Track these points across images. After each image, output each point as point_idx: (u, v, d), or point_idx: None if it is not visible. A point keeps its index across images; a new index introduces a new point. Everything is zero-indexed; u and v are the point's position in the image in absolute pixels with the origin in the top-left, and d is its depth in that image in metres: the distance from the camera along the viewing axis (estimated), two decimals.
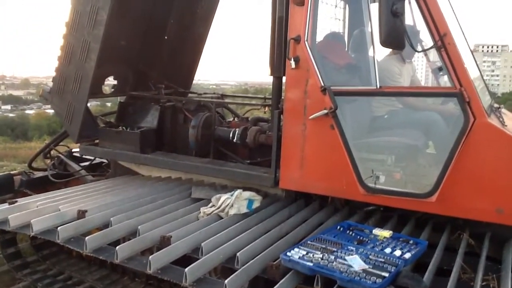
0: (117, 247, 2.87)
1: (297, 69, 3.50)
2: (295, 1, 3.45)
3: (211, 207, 3.59)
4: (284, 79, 3.79)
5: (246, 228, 3.29)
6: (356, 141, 3.28)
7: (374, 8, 3.16)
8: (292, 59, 3.48)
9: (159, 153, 4.59)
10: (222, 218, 3.50)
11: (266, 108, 4.61)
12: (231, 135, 4.32)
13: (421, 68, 4.54)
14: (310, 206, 3.87)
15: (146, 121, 4.79)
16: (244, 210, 3.56)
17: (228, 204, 3.54)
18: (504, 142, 2.99)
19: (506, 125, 3.14)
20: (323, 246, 2.82)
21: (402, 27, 3.00)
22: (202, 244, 2.93)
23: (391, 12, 2.94)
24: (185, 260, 2.86)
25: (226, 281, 2.50)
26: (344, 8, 4.34)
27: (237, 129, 4.33)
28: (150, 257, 2.73)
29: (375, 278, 2.43)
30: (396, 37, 3.01)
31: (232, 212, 3.52)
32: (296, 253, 2.72)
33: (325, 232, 3.09)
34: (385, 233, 3.05)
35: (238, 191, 3.65)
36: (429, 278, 2.58)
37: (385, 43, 3.05)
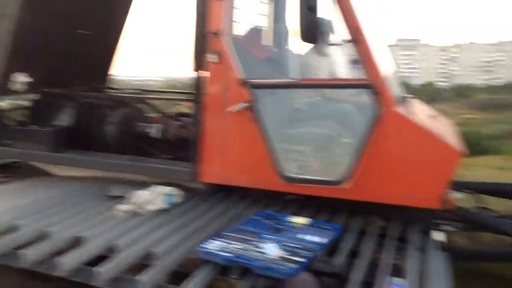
0: (23, 251, 2.71)
1: (217, 64, 3.50)
2: None
3: (127, 204, 3.48)
4: None
5: (164, 223, 3.23)
6: (275, 132, 3.33)
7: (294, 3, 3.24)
8: (212, 53, 3.48)
9: (76, 152, 4.39)
10: (139, 215, 3.41)
11: (190, 103, 4.57)
12: (152, 131, 4.23)
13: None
14: (230, 198, 3.86)
15: (61, 119, 4.56)
16: (162, 205, 3.49)
17: (146, 200, 3.46)
18: (410, 129, 3.17)
19: (414, 114, 3.32)
20: (241, 236, 2.83)
21: (317, 21, 3.09)
22: (116, 242, 2.84)
23: (307, 8, 3.02)
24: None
25: (141, 277, 2.44)
26: (269, 3, 4.39)
27: (158, 125, 4.25)
28: (60, 259, 2.61)
29: (291, 264, 2.48)
30: (313, 32, 3.10)
31: (150, 208, 3.44)
32: (213, 245, 2.71)
33: (243, 223, 3.11)
34: (302, 221, 3.12)
35: (157, 186, 3.58)
36: (341, 260, 2.67)
37: (303, 37, 3.13)
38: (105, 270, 2.53)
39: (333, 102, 3.54)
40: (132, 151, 4.30)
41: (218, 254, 2.60)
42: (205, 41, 3.58)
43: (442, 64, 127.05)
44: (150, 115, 5.01)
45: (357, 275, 2.56)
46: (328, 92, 3.50)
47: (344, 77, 3.72)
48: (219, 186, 3.91)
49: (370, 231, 3.20)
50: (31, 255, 2.73)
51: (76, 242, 2.87)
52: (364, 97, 3.32)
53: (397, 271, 2.68)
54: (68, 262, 2.62)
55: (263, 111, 3.31)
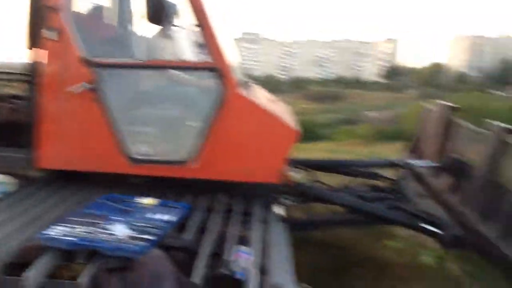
0: None
1: (56, 41, 3.27)
2: None
3: None
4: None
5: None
6: (120, 114, 3.26)
7: None
8: (50, 30, 3.24)
9: None
10: None
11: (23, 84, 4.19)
12: None
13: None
14: (71, 184, 3.66)
15: None
16: None
17: None
18: (251, 109, 3.38)
19: (255, 97, 3.54)
20: (86, 220, 2.72)
21: (163, 4, 3.09)
22: None
23: None
24: None
25: None
26: None
27: None
28: None
29: (140, 242, 2.48)
30: (159, 14, 3.09)
31: None
32: (56, 231, 2.56)
33: (88, 206, 3.00)
34: (150, 201, 3.12)
35: None
36: (190, 236, 2.76)
37: (149, 18, 3.10)
38: None
39: (179, 84, 3.58)
40: None
41: (61, 239, 2.47)
42: (41, 16, 3.33)
43: (282, 58, 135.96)
44: None
45: (206, 248, 2.67)
46: (174, 74, 3.53)
47: (190, 60, 3.78)
48: (58, 172, 3.69)
49: (217, 207, 3.34)
50: None
51: None
52: (208, 79, 3.44)
53: (243, 242, 2.86)
54: None
55: (107, 92, 3.22)
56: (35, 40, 3.45)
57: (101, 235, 2.53)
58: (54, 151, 3.39)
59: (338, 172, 4.87)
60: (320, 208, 4.67)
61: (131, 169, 3.32)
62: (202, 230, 3.00)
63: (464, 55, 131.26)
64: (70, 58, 3.27)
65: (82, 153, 3.39)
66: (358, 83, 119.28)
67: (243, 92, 3.42)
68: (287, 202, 4.16)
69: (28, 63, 3.61)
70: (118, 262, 2.37)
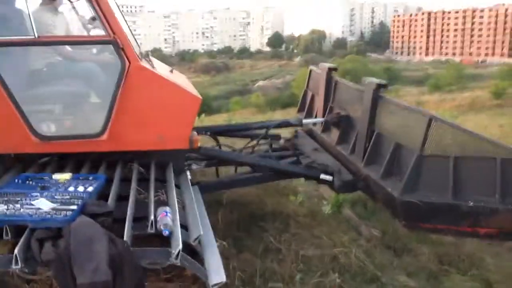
0: None
1: None
2: None
3: None
4: None
5: None
6: (22, 93, 3.22)
7: None
8: None
9: None
10: None
11: None
12: None
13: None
14: None
15: None
16: None
17: None
18: (155, 80, 3.54)
19: (155, 68, 3.70)
20: (5, 199, 2.76)
21: None
22: None
23: None
24: None
25: None
26: None
27: None
28: None
29: (65, 212, 2.60)
30: None
31: None
32: None
33: (3, 187, 3.00)
34: (65, 176, 3.20)
35: None
36: (112, 203, 2.92)
37: None
38: None
39: (79, 60, 3.60)
40: None
41: None
42: None
43: (165, 30, 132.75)
44: None
45: (130, 212, 2.84)
46: (72, 49, 3.54)
47: (86, 35, 3.80)
48: None
49: (132, 177, 3.49)
50: None
51: None
52: (107, 53, 3.53)
53: (162, 205, 3.07)
54: None
55: (5, 73, 3.16)
56: None
57: (25, 211, 2.61)
58: None
59: (238, 136, 5.23)
60: (225, 171, 5.02)
61: (41, 148, 3.33)
62: (121, 198, 3.16)
63: (343, 20, 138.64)
64: None
65: None
66: (245, 53, 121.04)
67: (144, 64, 3.56)
68: (195, 167, 4.46)
69: None
70: (47, 232, 2.48)
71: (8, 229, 2.53)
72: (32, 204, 2.68)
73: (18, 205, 2.67)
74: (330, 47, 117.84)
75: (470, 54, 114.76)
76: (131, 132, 3.52)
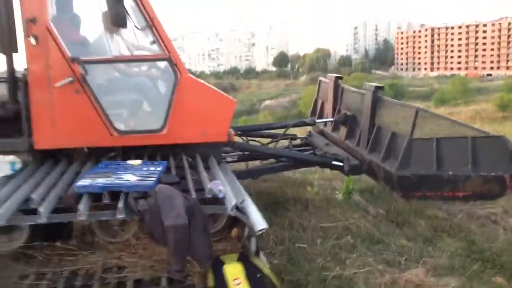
0: None
1: (37, 46, 4.12)
2: None
3: None
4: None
5: (21, 182, 3.81)
6: (105, 99, 4.20)
7: None
8: (32, 37, 4.09)
9: None
10: None
11: None
12: None
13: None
14: (61, 163, 4.52)
15: None
16: (8, 171, 4.00)
17: None
18: (200, 88, 4.53)
19: (198, 79, 4.68)
20: (101, 175, 3.71)
21: (124, 10, 4.09)
22: None
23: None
24: None
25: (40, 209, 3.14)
26: None
27: None
28: None
29: (148, 181, 3.55)
30: (122, 18, 4.07)
31: None
32: (84, 182, 3.53)
33: (93, 169, 3.96)
34: (137, 162, 4.15)
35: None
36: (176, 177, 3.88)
37: (113, 23, 4.08)
38: (3, 211, 3.12)
39: (145, 72, 4.62)
40: None
41: (91, 186, 3.46)
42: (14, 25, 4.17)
43: None
44: None
45: (191, 183, 3.79)
46: (139, 65, 4.55)
47: (150, 54, 4.77)
48: (46, 154, 4.51)
49: (184, 164, 4.44)
50: None
51: None
52: (164, 67, 4.51)
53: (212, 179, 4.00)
54: None
55: (91, 83, 4.15)
56: (9, 47, 4.29)
57: (119, 181, 3.56)
58: (47, 134, 4.24)
59: (262, 136, 6.21)
60: (254, 164, 5.98)
61: (117, 142, 4.29)
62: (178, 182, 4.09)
63: (347, 38, 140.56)
64: (52, 59, 4.14)
65: (71, 133, 4.27)
66: (251, 73, 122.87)
67: (191, 75, 4.54)
68: (230, 160, 5.43)
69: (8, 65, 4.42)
70: (138, 194, 3.43)
71: (107, 194, 3.49)
72: (122, 178, 3.63)
73: (112, 178, 3.62)
74: (335, 65, 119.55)
75: (475, 68, 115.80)
76: (182, 128, 4.46)
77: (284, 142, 6.29)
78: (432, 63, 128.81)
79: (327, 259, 4.07)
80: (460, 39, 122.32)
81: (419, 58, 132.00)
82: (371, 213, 5.39)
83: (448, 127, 4.32)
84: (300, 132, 6.65)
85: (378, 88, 5.08)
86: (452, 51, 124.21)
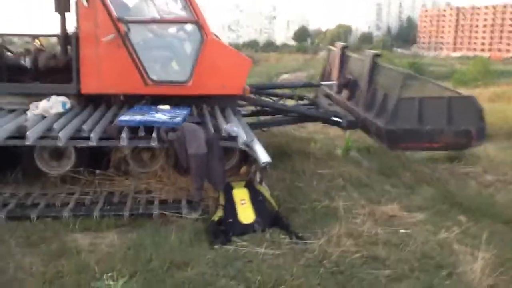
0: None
1: (88, 8, 4.94)
2: None
3: (35, 110, 4.75)
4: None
5: (72, 117, 4.71)
6: (143, 53, 5.02)
7: None
8: (85, 0, 4.90)
9: None
10: (45, 117, 4.72)
11: (37, 40, 5.80)
12: (24, 62, 5.34)
13: None
14: (102, 106, 5.39)
15: None
16: (61, 109, 4.87)
17: (48, 107, 4.78)
18: (222, 48, 5.35)
19: (222, 40, 5.47)
20: (138, 113, 4.57)
21: None
22: (54, 125, 4.27)
23: None
24: None
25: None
26: None
27: (27, 57, 5.38)
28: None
29: (176, 119, 4.40)
30: None
31: (52, 111, 4.78)
32: (125, 118, 4.40)
33: (131, 110, 4.82)
34: (166, 107, 4.99)
35: (53, 96, 4.90)
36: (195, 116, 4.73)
37: None
38: (63, 135, 4.03)
39: (178, 31, 5.44)
40: (6, 80, 5.33)
41: (131, 120, 4.33)
42: None
43: None
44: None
45: (210, 124, 4.64)
46: (173, 25, 5.37)
47: (182, 17, 5.52)
48: (90, 99, 5.38)
49: (204, 112, 5.28)
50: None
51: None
52: (193, 29, 5.29)
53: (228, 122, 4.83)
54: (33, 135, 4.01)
55: (133, 39, 4.97)
56: (65, 7, 5.11)
57: (152, 118, 4.41)
58: (93, 82, 5.09)
59: (272, 94, 7.02)
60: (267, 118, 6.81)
61: (151, 90, 5.12)
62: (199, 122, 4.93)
63: (369, 15, 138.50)
64: (100, 19, 4.96)
65: (114, 82, 5.11)
66: (270, 47, 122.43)
67: (214, 37, 5.33)
68: (243, 112, 6.26)
69: (61, 24, 5.27)
70: (168, 128, 4.28)
71: (143, 128, 4.35)
72: (155, 116, 4.49)
73: (146, 116, 4.47)
74: (356, 41, 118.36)
75: (499, 50, 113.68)
76: (205, 81, 5.25)
77: (292, 102, 7.09)
78: (455, 43, 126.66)
79: (319, 195, 4.91)
80: (485, 19, 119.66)
81: (442, 37, 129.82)
82: (364, 165, 6.19)
83: (429, 88, 5.11)
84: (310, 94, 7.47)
85: (376, 55, 5.81)
86: (476, 31, 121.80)
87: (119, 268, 3.27)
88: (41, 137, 4.20)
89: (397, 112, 5.25)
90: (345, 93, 6.64)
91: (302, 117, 6.36)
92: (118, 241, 3.77)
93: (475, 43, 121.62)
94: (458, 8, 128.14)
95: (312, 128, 8.53)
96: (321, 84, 7.16)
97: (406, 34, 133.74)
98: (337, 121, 6.04)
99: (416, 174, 5.92)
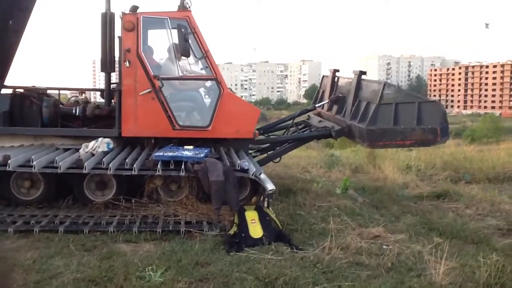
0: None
1: (129, 67, 6.18)
2: (127, 29, 6.13)
3: (85, 149, 5.88)
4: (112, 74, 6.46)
5: (115, 155, 5.82)
6: (171, 103, 6.20)
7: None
8: (127, 61, 6.15)
9: (18, 127, 6.39)
10: (93, 155, 5.84)
11: (84, 94, 7.07)
12: (74, 111, 6.54)
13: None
14: (137, 147, 6.51)
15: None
16: (106, 149, 6.00)
17: (95, 146, 5.92)
18: (236, 100, 6.54)
19: (234, 93, 6.67)
20: (168, 151, 5.67)
21: (189, 46, 6.11)
22: (104, 159, 5.39)
23: (184, 39, 6.02)
24: None
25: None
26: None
27: (78, 107, 6.59)
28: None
29: (199, 155, 5.48)
30: (188, 51, 6.09)
31: (99, 150, 5.91)
32: (159, 154, 5.50)
33: (163, 149, 5.92)
34: (190, 147, 6.08)
35: (100, 138, 6.05)
36: (214, 153, 5.81)
37: (181, 53, 6.11)
38: (112, 166, 5.13)
39: (200, 86, 6.66)
40: (59, 126, 6.51)
41: (164, 156, 5.43)
42: (113, 51, 6.27)
43: None
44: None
45: (226, 161, 5.72)
46: (197, 81, 6.59)
47: (203, 75, 6.73)
48: (128, 141, 6.52)
49: (221, 152, 6.37)
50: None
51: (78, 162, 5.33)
52: (212, 85, 6.48)
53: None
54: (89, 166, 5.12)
55: (164, 92, 6.16)
56: (108, 67, 6.37)
57: (181, 155, 5.51)
58: (131, 126, 6.25)
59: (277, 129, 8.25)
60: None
61: (177, 134, 6.25)
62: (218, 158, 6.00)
63: (379, 73, 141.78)
64: (139, 76, 6.18)
65: (147, 127, 6.27)
66: (282, 104, 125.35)
67: (229, 91, 6.53)
68: (253, 153, 7.35)
69: (106, 80, 6.52)
70: (193, 162, 5.36)
71: (172, 162, 5.44)
72: (182, 153, 5.58)
73: (177, 153, 5.57)
74: None
75: (510, 108, 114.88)
76: (223, 127, 6.39)
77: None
78: (465, 101, 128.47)
79: (317, 220, 5.86)
80: (494, 78, 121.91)
81: (452, 95, 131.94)
82: (359, 200, 7.14)
83: (403, 96, 6.58)
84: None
85: (362, 72, 7.17)
86: (486, 89, 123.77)
87: (157, 263, 4.24)
88: (94, 168, 5.29)
89: (376, 115, 6.47)
90: (334, 108, 7.88)
91: (300, 141, 7.69)
92: (154, 248, 4.77)
93: (485, 101, 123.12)
94: (466, 67, 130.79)
95: (315, 172, 9.56)
96: (316, 107, 8.40)
97: (416, 92, 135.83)
98: (327, 133, 7.29)
99: (403, 207, 6.87)
